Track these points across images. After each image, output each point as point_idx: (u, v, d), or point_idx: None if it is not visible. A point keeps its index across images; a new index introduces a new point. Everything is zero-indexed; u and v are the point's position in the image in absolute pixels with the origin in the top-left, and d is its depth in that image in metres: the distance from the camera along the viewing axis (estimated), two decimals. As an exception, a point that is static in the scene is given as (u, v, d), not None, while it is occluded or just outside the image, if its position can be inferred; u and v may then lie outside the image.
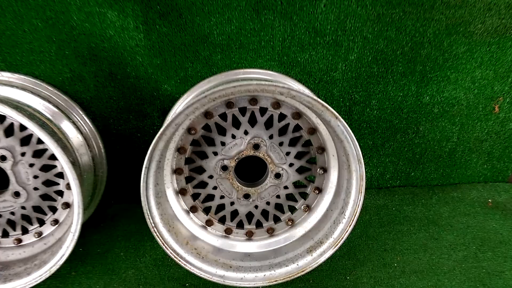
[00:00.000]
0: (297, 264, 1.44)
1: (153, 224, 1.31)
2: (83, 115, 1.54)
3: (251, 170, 1.66)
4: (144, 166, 1.25)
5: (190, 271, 1.37)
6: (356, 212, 1.37)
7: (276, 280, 1.41)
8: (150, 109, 1.61)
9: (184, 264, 1.37)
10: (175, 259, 1.36)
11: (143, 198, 1.29)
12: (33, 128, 1.18)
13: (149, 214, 1.30)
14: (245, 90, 1.22)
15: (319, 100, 1.24)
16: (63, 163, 1.24)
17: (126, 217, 1.85)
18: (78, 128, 1.52)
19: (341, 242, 1.40)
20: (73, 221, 1.31)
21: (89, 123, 1.56)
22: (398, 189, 2.05)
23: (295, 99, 1.26)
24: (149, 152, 1.24)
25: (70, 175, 1.25)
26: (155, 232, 1.32)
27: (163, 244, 1.34)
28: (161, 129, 1.23)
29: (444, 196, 2.01)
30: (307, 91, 1.23)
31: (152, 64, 1.48)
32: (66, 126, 1.49)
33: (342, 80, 1.60)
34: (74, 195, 1.26)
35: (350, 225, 1.38)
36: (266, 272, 1.43)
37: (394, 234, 1.79)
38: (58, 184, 1.47)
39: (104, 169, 1.63)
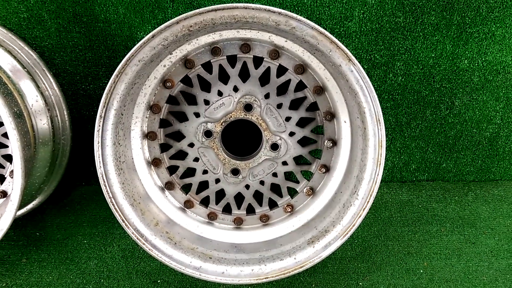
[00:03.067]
0: (295, 258, 1.11)
1: (110, 194, 1.02)
2: (45, 69, 1.28)
3: (242, 140, 1.35)
4: (98, 114, 0.97)
5: (157, 258, 1.06)
6: (373, 191, 1.05)
7: (267, 277, 1.08)
8: (124, 65, 1.33)
9: (150, 249, 1.06)
10: (138, 241, 1.06)
11: (97, 159, 1.00)
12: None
13: (105, 180, 1.01)
14: (229, 16, 0.94)
15: (326, 33, 0.95)
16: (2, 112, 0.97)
17: (96, 201, 1.56)
18: (37, 85, 1.26)
19: (352, 230, 1.07)
20: (14, 186, 1.03)
21: (51, 79, 1.30)
22: (425, 183, 1.70)
23: (295, 31, 0.97)
24: (104, 95, 0.96)
25: (10, 127, 0.98)
26: (112, 204, 1.03)
27: (122, 220, 1.04)
28: (120, 65, 0.95)
29: (482, 193, 1.66)
30: (311, 23, 0.94)
31: (124, 0, 1.21)
32: (24, 84, 1.23)
33: (358, 32, 1.30)
34: (14, 152, 0.99)
35: (364, 208, 1.05)
36: (254, 266, 1.11)
37: (420, 235, 1.45)
38: (6, 147, 1.20)
39: (68, 138, 1.36)
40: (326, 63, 1.09)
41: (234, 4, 0.93)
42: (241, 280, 1.08)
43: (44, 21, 1.24)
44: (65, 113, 1.33)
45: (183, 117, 1.19)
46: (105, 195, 1.02)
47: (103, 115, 0.98)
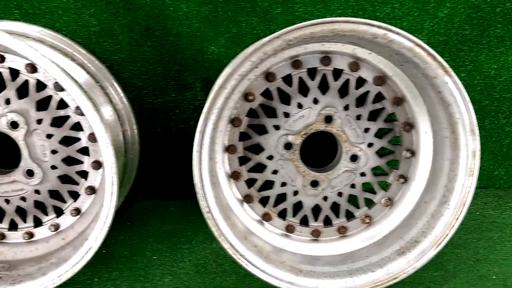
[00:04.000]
0: (387, 270, 1.10)
1: (207, 209, 1.00)
2: (115, 83, 1.27)
3: (315, 150, 1.35)
4: (198, 130, 0.96)
5: (254, 273, 1.05)
6: (466, 201, 1.05)
7: (359, 290, 1.08)
8: (192, 78, 1.33)
9: (246, 265, 1.05)
10: (235, 256, 1.04)
11: (196, 172, 0.99)
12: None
13: (203, 195, 0.99)
14: (328, 30, 0.94)
15: (425, 46, 0.96)
16: (93, 119, 0.95)
17: (157, 215, 1.54)
18: (109, 99, 1.25)
19: (446, 240, 1.07)
20: (105, 202, 1.01)
21: (121, 93, 1.29)
22: (479, 191, 1.71)
23: (391, 44, 0.97)
24: (205, 110, 0.95)
25: (103, 137, 0.96)
26: (210, 219, 1.01)
27: (219, 235, 1.03)
28: (220, 80, 0.95)
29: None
30: (411, 36, 0.95)
31: (200, 14, 1.20)
32: (99, 98, 1.21)
33: (427, 44, 1.31)
34: (108, 169, 0.97)
35: (457, 218, 1.06)
36: (346, 279, 1.10)
37: (484, 242, 1.46)
38: (81, 162, 1.18)
39: (137, 152, 1.34)
40: (412, 74, 1.10)
41: (335, 18, 0.94)
42: (334, 294, 1.08)
43: (116, 34, 1.23)
44: (134, 127, 1.31)
45: (262, 130, 1.19)
46: (203, 210, 1.01)
47: (203, 129, 0.97)
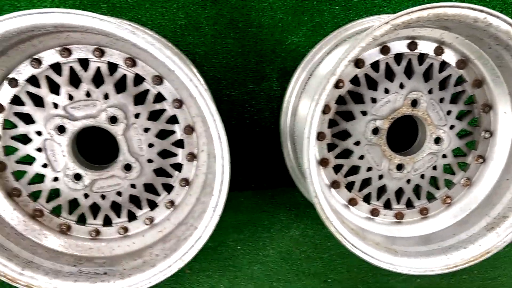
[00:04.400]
0: (479, 245, 1.15)
1: (315, 193, 1.03)
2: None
3: (395, 135, 1.39)
4: (309, 119, 0.98)
5: (362, 257, 1.09)
6: (555, 176, 1.10)
7: (456, 266, 1.12)
8: (269, 68, 1.35)
9: (351, 247, 1.09)
10: (340, 238, 1.08)
11: (305, 158, 1.01)
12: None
13: (311, 179, 1.02)
14: (434, 15, 0.98)
15: (524, 28, 1.00)
16: (209, 110, 0.97)
17: (231, 206, 1.55)
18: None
19: (537, 214, 1.11)
20: (214, 191, 1.04)
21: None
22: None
23: (489, 28, 1.01)
24: (317, 98, 0.98)
25: (219, 126, 0.98)
26: (318, 204, 1.04)
27: (326, 218, 1.06)
28: (333, 67, 0.97)
29: None
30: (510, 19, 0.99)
31: (285, 5, 1.23)
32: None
33: None
34: (218, 153, 1.00)
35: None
36: (440, 256, 1.14)
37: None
38: (176, 155, 1.20)
39: (215, 144, 1.36)
40: (498, 56, 1.14)
41: (442, 3, 0.97)
42: (434, 271, 1.12)
43: (201, 27, 1.24)
44: (216, 119, 1.33)
45: (350, 116, 1.22)
46: (312, 195, 1.03)
47: (312, 115, 0.99)
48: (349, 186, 1.28)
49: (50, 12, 0.84)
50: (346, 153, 1.24)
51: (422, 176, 1.29)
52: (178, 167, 1.22)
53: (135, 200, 1.22)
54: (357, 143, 1.23)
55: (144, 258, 1.14)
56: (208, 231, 1.08)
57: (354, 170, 1.27)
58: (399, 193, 1.30)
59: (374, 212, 1.29)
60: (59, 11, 0.84)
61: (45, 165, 1.14)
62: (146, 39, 0.87)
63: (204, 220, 1.08)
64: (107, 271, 1.12)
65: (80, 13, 0.84)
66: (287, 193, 1.64)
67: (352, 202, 1.28)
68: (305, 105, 1.24)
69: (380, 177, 1.27)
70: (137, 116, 1.14)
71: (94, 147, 1.28)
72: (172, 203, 1.23)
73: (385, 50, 1.17)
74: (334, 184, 1.26)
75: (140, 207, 1.23)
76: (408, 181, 1.29)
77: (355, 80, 1.20)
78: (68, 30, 0.96)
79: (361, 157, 1.25)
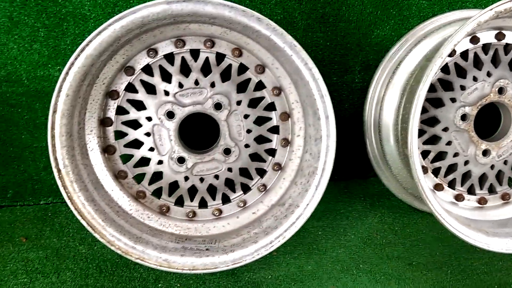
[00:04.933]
0: None
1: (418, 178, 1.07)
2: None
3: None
4: (417, 102, 1.04)
5: (461, 237, 1.12)
6: None
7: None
8: (353, 62, 1.42)
9: (452, 228, 1.12)
10: (443, 221, 1.11)
11: (410, 147, 1.06)
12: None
13: (414, 163, 1.07)
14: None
15: None
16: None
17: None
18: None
19: None
20: (318, 170, 1.10)
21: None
22: None
23: None
24: (424, 77, 1.03)
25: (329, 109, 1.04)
26: (424, 193, 1.08)
27: (429, 203, 1.10)
28: (439, 53, 1.02)
29: None
30: None
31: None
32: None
33: None
34: (324, 133, 1.06)
35: None
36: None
37: None
38: (270, 141, 1.27)
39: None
40: None
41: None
42: (527, 251, 1.15)
43: (295, 22, 1.32)
44: (301, 109, 1.40)
45: (438, 103, 1.27)
46: (417, 183, 1.07)
47: (416, 104, 1.05)
48: (435, 172, 1.32)
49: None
50: (434, 139, 1.29)
51: (505, 162, 1.32)
52: (271, 152, 1.28)
53: (230, 183, 1.29)
54: (445, 129, 1.27)
55: (243, 236, 1.20)
56: (309, 208, 1.14)
57: (440, 156, 1.31)
58: (483, 178, 1.33)
59: (459, 198, 1.32)
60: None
61: (151, 149, 1.23)
62: (270, 24, 0.95)
63: (306, 199, 1.14)
64: (208, 248, 1.18)
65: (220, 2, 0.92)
66: (359, 185, 1.69)
67: (438, 187, 1.32)
68: (392, 95, 1.29)
69: (466, 162, 1.31)
70: (238, 103, 1.22)
71: (190, 132, 1.35)
72: (264, 186, 1.29)
73: (474, 40, 1.22)
74: (422, 170, 1.30)
75: (234, 191, 1.30)
76: (492, 166, 1.32)
77: (444, 68, 1.25)
78: (189, 21, 1.04)
79: (448, 143, 1.29)
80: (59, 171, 1.00)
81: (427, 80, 1.03)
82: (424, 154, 1.30)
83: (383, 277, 1.26)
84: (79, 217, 1.05)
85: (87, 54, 0.94)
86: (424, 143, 1.29)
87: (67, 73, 0.94)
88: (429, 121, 1.28)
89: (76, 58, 0.93)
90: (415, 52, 1.28)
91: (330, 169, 1.10)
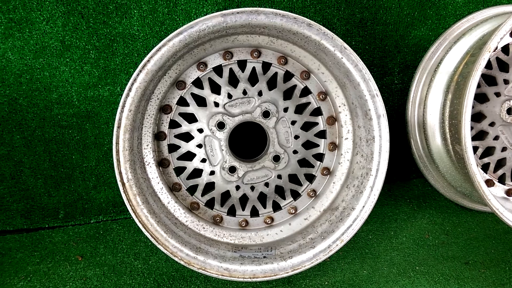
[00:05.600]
0: None
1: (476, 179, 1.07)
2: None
3: None
4: (468, 96, 1.05)
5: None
6: None
7: None
8: (391, 64, 1.44)
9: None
10: (502, 215, 1.10)
11: (463, 142, 1.07)
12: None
13: (469, 161, 1.07)
14: None
15: None
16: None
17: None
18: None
19: None
20: (372, 171, 1.10)
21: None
22: None
23: None
24: (474, 71, 1.04)
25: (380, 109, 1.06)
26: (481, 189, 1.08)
27: (490, 204, 1.09)
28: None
29: None
30: None
31: (413, 0, 1.32)
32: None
33: None
34: (376, 135, 1.07)
35: None
36: None
37: None
38: (318, 145, 1.28)
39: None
40: None
41: None
42: None
43: (334, 28, 1.35)
44: (343, 114, 1.41)
45: (483, 98, 1.27)
46: (474, 179, 1.07)
47: (466, 99, 1.06)
48: (484, 168, 1.31)
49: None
50: (480, 135, 1.29)
51: (558, 155, 1.31)
52: (319, 157, 1.29)
53: (280, 190, 1.31)
54: (492, 124, 1.27)
55: (299, 242, 1.21)
56: (366, 210, 1.14)
57: (488, 151, 1.30)
58: (534, 172, 1.32)
59: (510, 192, 1.31)
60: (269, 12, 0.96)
61: (203, 160, 1.25)
62: (321, 29, 0.98)
63: (361, 201, 1.14)
64: (266, 255, 1.19)
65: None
66: (402, 186, 1.69)
67: (489, 183, 1.31)
68: (435, 93, 1.30)
69: (515, 157, 1.30)
70: (285, 110, 1.24)
71: (239, 142, 1.38)
72: (314, 191, 1.30)
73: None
74: (470, 166, 1.29)
75: (284, 198, 1.31)
76: (544, 160, 1.31)
77: (487, 64, 1.25)
78: (238, 33, 1.08)
79: (496, 138, 1.29)
80: (123, 184, 1.03)
81: (477, 74, 1.05)
82: (473, 150, 1.30)
83: (441, 277, 1.24)
84: (143, 230, 1.07)
85: (148, 69, 0.97)
86: (472, 139, 1.29)
87: (130, 89, 0.97)
88: (475, 117, 1.29)
89: (138, 74, 0.97)
90: (455, 50, 1.29)
91: (385, 169, 1.11)
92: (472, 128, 1.29)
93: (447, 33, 1.34)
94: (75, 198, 1.49)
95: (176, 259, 1.10)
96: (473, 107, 1.27)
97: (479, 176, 1.09)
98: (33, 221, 1.48)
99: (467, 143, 1.07)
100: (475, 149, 1.30)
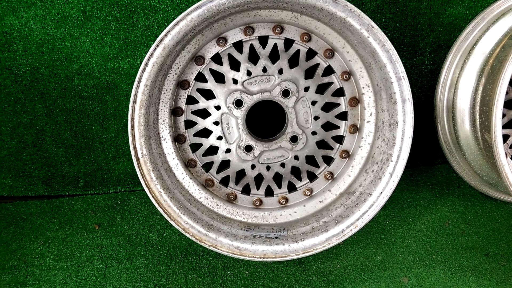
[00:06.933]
0: None
1: (503, 165, 1.01)
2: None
3: None
4: (502, 87, 0.98)
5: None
6: None
7: None
8: (423, 43, 1.35)
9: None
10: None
11: (493, 130, 1.00)
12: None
13: (498, 151, 1.01)
14: None
15: None
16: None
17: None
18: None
19: None
20: (393, 157, 1.05)
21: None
22: None
23: None
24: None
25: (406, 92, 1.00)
26: (503, 168, 1.02)
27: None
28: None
29: None
30: None
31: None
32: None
33: None
34: (400, 120, 1.02)
35: None
36: None
37: None
38: (338, 127, 1.24)
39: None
40: None
41: None
42: None
43: (364, 3, 1.28)
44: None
45: (518, 85, 1.19)
46: (505, 177, 1.02)
47: (502, 88, 0.99)
48: (514, 158, 1.25)
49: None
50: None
51: None
52: (339, 139, 1.26)
53: (296, 171, 1.28)
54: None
55: (312, 225, 1.19)
56: (383, 197, 1.11)
57: (520, 141, 1.23)
58: None
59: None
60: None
61: (219, 138, 1.23)
62: (347, 6, 0.92)
63: (379, 187, 1.11)
64: (278, 236, 1.18)
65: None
66: (425, 172, 1.63)
67: (517, 174, 1.24)
68: (468, 76, 1.22)
69: (549, 148, 1.22)
70: (306, 89, 1.20)
71: (257, 120, 1.35)
72: (331, 174, 1.27)
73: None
74: (499, 156, 1.23)
75: (300, 179, 1.29)
76: None
77: None
78: (260, 7, 1.03)
79: (529, 128, 1.21)
80: (138, 160, 1.02)
81: (515, 59, 0.97)
82: (503, 138, 1.23)
83: (458, 268, 1.21)
84: (156, 205, 1.07)
85: (165, 44, 0.95)
86: (503, 127, 1.22)
87: (146, 64, 0.95)
88: (508, 103, 1.21)
89: (155, 49, 0.94)
90: (493, 31, 1.20)
91: (406, 156, 1.06)
92: (504, 115, 1.21)
93: (486, 12, 1.25)
94: (95, 168, 1.51)
95: (187, 235, 1.11)
96: (507, 93, 1.20)
97: (507, 167, 1.03)
98: (54, 188, 1.52)
99: (497, 132, 1.01)
100: (505, 137, 1.23)
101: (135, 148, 1.01)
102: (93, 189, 1.54)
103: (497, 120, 1.00)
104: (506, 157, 1.23)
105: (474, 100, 1.19)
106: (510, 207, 1.42)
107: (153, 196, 1.07)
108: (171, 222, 1.10)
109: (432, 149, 1.53)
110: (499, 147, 1.02)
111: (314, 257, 1.26)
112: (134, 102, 0.98)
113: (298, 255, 1.13)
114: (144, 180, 1.05)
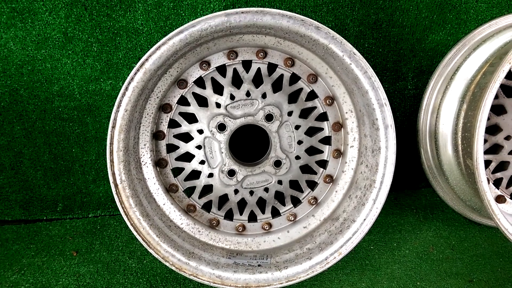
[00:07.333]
0: None
1: (485, 193, 1.01)
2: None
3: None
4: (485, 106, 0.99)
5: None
6: None
7: None
8: (405, 68, 1.37)
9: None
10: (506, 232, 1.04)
11: (475, 155, 1.01)
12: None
13: (481, 179, 1.01)
14: None
15: None
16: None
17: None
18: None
19: None
20: (376, 183, 1.05)
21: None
22: None
23: None
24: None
25: (388, 119, 1.01)
26: (486, 197, 1.02)
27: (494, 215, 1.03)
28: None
29: None
30: None
31: (433, 2, 1.24)
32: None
33: None
34: (383, 147, 1.01)
35: None
36: None
37: None
38: (322, 152, 1.23)
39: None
40: None
41: None
42: None
43: (347, 29, 1.29)
44: (350, 119, 1.36)
45: (500, 110, 1.20)
46: (487, 204, 1.02)
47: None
48: (496, 183, 1.25)
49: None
50: (494, 149, 1.22)
51: None
52: (323, 164, 1.25)
53: (280, 196, 1.26)
54: (507, 138, 1.21)
55: (296, 252, 1.17)
56: (367, 224, 1.09)
57: (502, 166, 1.24)
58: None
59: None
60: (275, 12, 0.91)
61: (202, 162, 1.21)
62: (329, 33, 0.92)
63: (362, 213, 1.09)
64: (261, 263, 1.15)
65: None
66: (409, 195, 1.63)
67: (499, 199, 1.24)
68: (450, 102, 1.23)
69: (531, 173, 1.23)
70: (290, 114, 1.19)
71: (240, 145, 1.34)
72: (315, 199, 1.26)
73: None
74: (482, 181, 1.23)
75: (284, 204, 1.27)
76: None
77: (507, 74, 1.18)
78: (243, 32, 1.03)
79: (511, 153, 1.22)
80: (116, 186, 1.00)
81: (494, 87, 0.98)
82: (485, 164, 1.23)
83: (443, 295, 1.19)
84: (135, 233, 1.04)
85: (146, 68, 0.94)
86: (485, 152, 1.23)
87: (126, 88, 0.94)
88: (490, 129, 1.22)
89: (135, 73, 0.93)
90: (474, 57, 1.22)
91: (389, 182, 1.05)
92: (486, 141, 1.22)
93: (467, 38, 1.27)
94: (74, 191, 1.47)
95: (167, 264, 1.07)
96: (488, 118, 1.21)
97: (489, 194, 1.03)
98: (31, 212, 1.47)
99: (479, 158, 1.01)
100: (488, 163, 1.24)
101: (113, 174, 0.98)
102: (72, 213, 1.50)
103: (479, 147, 1.00)
104: (488, 183, 1.23)
105: (456, 125, 1.20)
106: (493, 232, 1.42)
107: (131, 224, 1.03)
108: (150, 250, 1.06)
109: (416, 172, 1.54)
110: (481, 174, 1.02)
111: (298, 285, 1.23)
112: (113, 127, 0.95)
113: (281, 284, 1.10)
114: (122, 207, 1.02)
